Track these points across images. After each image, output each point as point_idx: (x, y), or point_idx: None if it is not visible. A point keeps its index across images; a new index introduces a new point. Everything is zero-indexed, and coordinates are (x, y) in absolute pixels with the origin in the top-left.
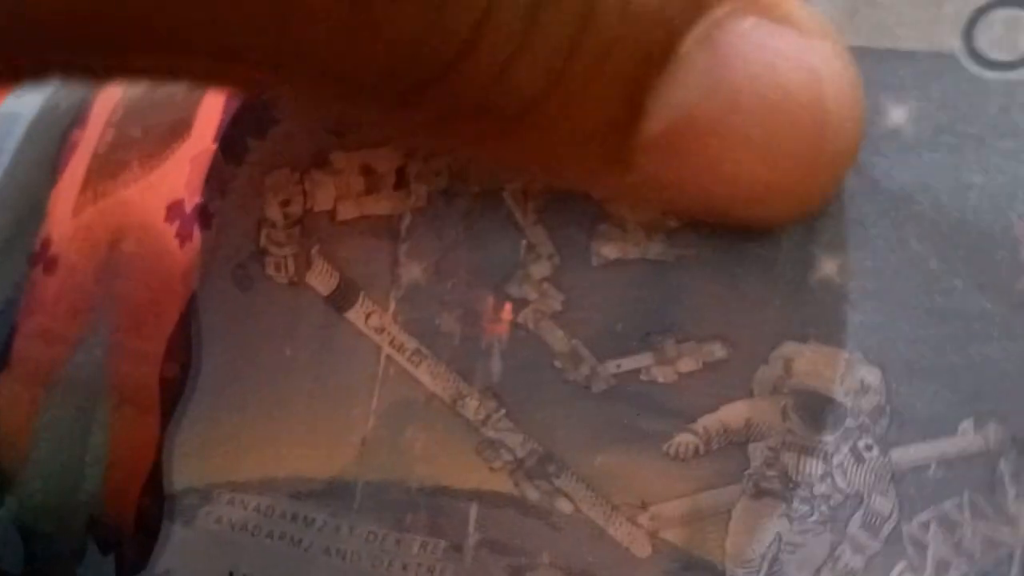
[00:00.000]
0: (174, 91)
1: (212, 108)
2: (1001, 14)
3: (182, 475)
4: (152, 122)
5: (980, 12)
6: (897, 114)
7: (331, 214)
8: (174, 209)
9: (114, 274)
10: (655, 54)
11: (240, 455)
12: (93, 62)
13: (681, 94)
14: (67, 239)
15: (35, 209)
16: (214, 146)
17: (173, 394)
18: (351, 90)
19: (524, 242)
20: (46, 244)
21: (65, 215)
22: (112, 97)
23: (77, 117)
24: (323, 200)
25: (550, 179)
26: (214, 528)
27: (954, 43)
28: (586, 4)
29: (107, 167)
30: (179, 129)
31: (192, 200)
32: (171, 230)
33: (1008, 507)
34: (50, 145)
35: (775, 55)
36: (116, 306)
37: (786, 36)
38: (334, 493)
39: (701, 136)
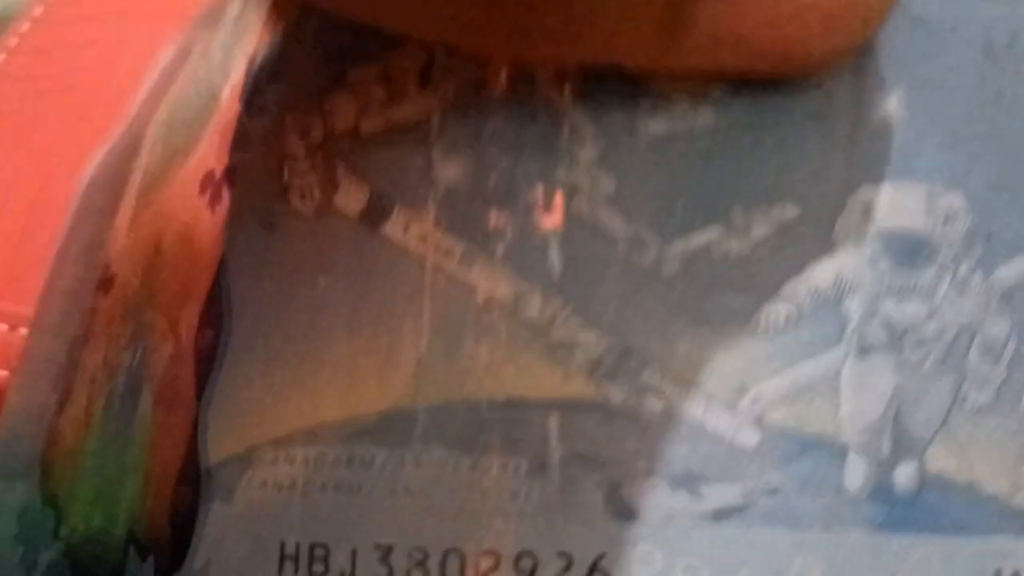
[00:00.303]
0: (213, 81)
1: (237, 75)
2: None
3: (219, 446)
4: (192, 116)
5: None
6: None
7: (354, 131)
8: (206, 181)
9: (158, 271)
10: None
11: (280, 407)
12: None
13: None
14: (121, 255)
15: (102, 246)
16: (238, 106)
17: (208, 363)
18: None
19: (566, 125)
20: (106, 268)
21: (121, 235)
22: (161, 116)
23: (133, 148)
24: (344, 119)
25: (600, 57)
26: (257, 496)
27: None
28: None
29: (155, 178)
30: (210, 107)
31: (220, 166)
32: (204, 201)
33: None
34: (113, 183)
35: None
36: (158, 300)
37: None
38: (392, 426)
39: None
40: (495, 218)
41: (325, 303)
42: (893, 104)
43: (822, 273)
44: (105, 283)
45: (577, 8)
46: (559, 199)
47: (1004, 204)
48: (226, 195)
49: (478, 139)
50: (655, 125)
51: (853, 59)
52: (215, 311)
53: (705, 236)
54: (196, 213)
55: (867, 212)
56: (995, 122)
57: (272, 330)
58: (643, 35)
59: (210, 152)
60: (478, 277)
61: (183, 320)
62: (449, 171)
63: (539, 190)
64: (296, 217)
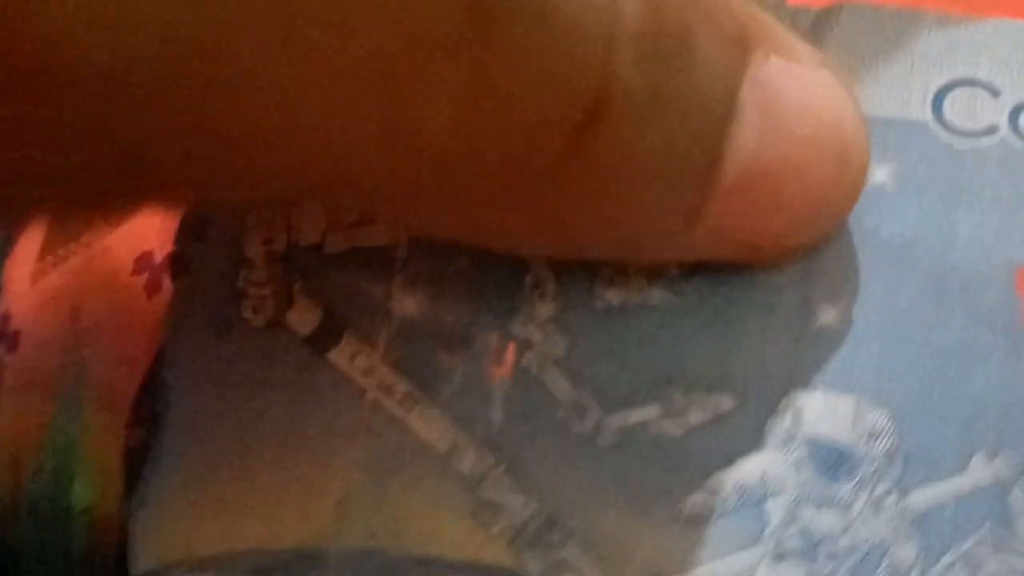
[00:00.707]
0: None
1: None
2: (961, 91)
3: (144, 555)
4: None
5: (943, 89)
6: (881, 174)
7: (318, 248)
8: (142, 261)
9: (81, 341)
10: (726, 102)
11: (201, 526)
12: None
13: (746, 138)
14: (27, 311)
15: None
16: None
17: (138, 464)
18: (473, 182)
19: (529, 278)
20: (6, 319)
21: (23, 286)
22: None
23: None
24: (309, 234)
25: (614, 255)
26: None
27: (926, 113)
28: (686, 60)
29: (68, 229)
30: None
31: (164, 249)
32: (139, 283)
33: None
34: None
35: (803, 88)
36: (85, 377)
37: (803, 69)
38: (302, 565)
39: (764, 177)
40: (444, 361)
41: (260, 421)
42: (834, 315)
43: (750, 469)
44: (9, 340)
45: (614, 224)
46: (511, 352)
47: (926, 428)
48: (167, 285)
49: (441, 277)
50: (612, 295)
51: (804, 261)
52: (149, 410)
53: (644, 413)
54: (128, 293)
55: (798, 417)
56: (927, 346)
57: (204, 443)
58: (665, 233)
59: (148, 227)
60: (417, 420)
61: (117, 415)
62: (407, 305)
63: (493, 339)
64: (246, 327)
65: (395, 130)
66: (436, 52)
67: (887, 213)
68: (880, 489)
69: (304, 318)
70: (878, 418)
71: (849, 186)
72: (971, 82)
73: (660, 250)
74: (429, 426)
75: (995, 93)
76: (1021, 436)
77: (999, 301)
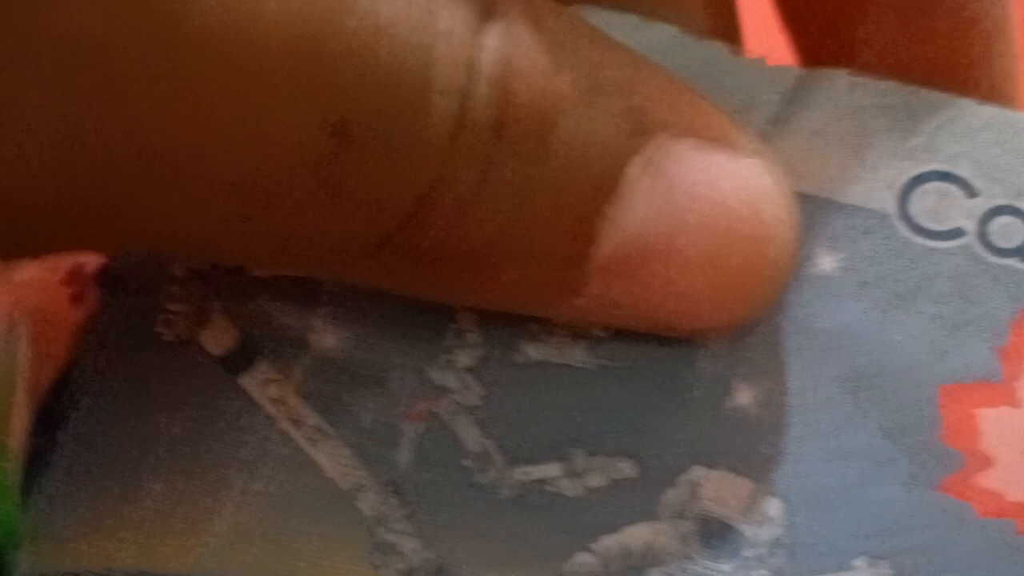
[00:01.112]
0: None
1: None
2: (933, 186)
3: (25, 563)
4: None
5: (915, 181)
6: (826, 262)
7: (241, 271)
8: (74, 272)
9: (12, 349)
10: (604, 183)
11: (83, 540)
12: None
13: (629, 218)
14: None
15: None
16: None
17: (31, 472)
18: (312, 254)
19: (454, 326)
20: None
21: None
22: None
23: None
24: None
25: (496, 308)
26: None
27: (889, 205)
28: (540, 145)
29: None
30: None
31: (96, 262)
32: (66, 292)
33: None
34: None
35: (714, 175)
36: (13, 384)
37: (722, 155)
38: None
39: (650, 257)
40: (357, 399)
41: (160, 440)
42: (749, 398)
43: (637, 536)
44: None
45: (480, 282)
46: (426, 397)
47: (815, 524)
48: (93, 297)
49: (364, 316)
50: (533, 350)
51: (730, 341)
52: (50, 418)
53: (545, 470)
54: (55, 303)
55: (694, 492)
56: (834, 448)
57: (98, 457)
58: (542, 298)
59: None
60: (323, 455)
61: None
62: (327, 339)
63: (409, 383)
64: (159, 342)
65: (250, 221)
66: (291, 166)
67: (825, 304)
68: (757, 575)
69: (218, 338)
70: (770, 506)
71: (765, 279)
72: (946, 177)
73: (548, 313)
74: (334, 463)
75: (971, 194)
76: (902, 551)
77: (915, 417)
